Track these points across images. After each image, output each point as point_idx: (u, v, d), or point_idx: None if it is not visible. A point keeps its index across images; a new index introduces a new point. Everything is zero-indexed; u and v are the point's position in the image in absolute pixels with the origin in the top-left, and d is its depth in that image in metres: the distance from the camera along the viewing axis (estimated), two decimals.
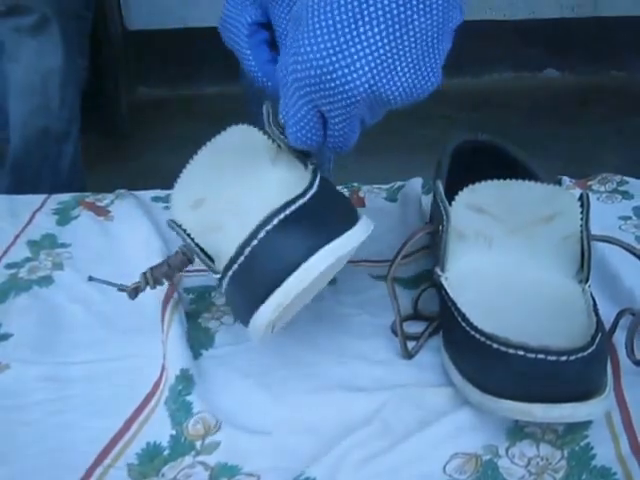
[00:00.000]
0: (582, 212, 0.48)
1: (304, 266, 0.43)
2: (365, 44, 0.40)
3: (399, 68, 0.41)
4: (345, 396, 0.47)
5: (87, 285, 0.60)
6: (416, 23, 0.41)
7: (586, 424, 0.44)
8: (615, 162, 1.77)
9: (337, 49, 0.40)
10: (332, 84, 0.41)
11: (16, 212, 0.71)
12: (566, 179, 0.72)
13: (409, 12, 0.40)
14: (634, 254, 0.47)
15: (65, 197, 0.73)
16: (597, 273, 0.56)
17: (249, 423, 0.45)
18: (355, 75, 0.41)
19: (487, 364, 0.43)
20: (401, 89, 0.42)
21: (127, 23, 2.19)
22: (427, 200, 0.65)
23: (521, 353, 0.41)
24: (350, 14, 0.40)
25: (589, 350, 0.41)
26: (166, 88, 2.21)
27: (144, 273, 0.51)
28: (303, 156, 0.48)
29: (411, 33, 0.41)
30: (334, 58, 0.40)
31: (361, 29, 0.40)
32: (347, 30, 0.40)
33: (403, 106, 0.44)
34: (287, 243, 0.43)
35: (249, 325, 0.45)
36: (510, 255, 0.49)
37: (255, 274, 0.44)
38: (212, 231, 0.48)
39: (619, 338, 0.50)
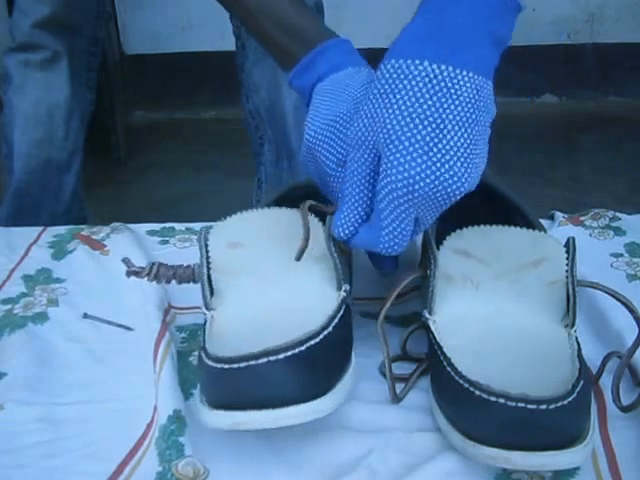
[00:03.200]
0: (568, 258, 0.48)
1: (273, 413, 0.43)
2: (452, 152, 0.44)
3: (475, 162, 0.45)
4: (333, 440, 0.47)
5: (82, 322, 0.60)
6: (480, 119, 0.45)
7: (573, 470, 0.44)
8: (614, 188, 1.77)
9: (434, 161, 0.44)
10: (439, 194, 0.45)
11: (12, 245, 0.71)
12: (559, 214, 0.72)
13: (477, 112, 0.45)
14: (619, 300, 0.47)
15: (61, 230, 0.74)
16: (586, 315, 0.56)
17: (237, 470, 0.45)
18: (455, 179, 0.45)
19: (470, 410, 0.43)
20: (476, 180, 0.46)
21: (124, 47, 2.21)
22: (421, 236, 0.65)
23: (502, 401, 0.41)
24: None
25: (569, 399, 0.41)
26: (163, 112, 2.22)
27: (152, 263, 0.53)
28: (341, 279, 0.50)
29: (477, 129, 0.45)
30: (437, 173, 0.44)
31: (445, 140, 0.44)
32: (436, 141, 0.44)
33: None
34: (279, 379, 0.43)
35: (203, 413, 0.46)
36: (497, 299, 0.49)
37: (238, 383, 0.43)
38: (228, 273, 0.51)
39: (606, 382, 0.50)
